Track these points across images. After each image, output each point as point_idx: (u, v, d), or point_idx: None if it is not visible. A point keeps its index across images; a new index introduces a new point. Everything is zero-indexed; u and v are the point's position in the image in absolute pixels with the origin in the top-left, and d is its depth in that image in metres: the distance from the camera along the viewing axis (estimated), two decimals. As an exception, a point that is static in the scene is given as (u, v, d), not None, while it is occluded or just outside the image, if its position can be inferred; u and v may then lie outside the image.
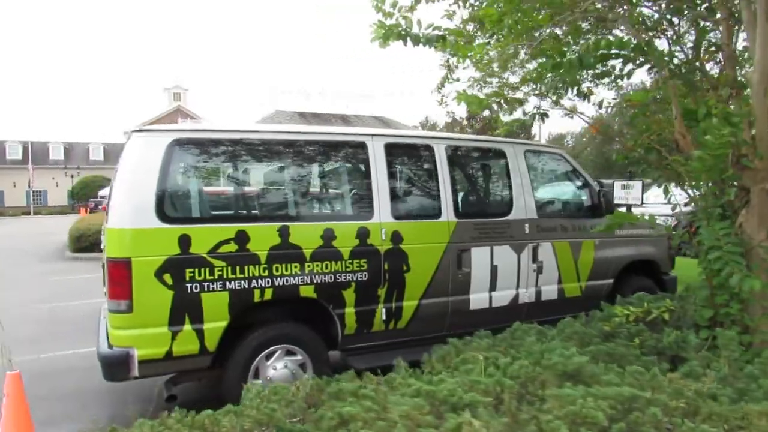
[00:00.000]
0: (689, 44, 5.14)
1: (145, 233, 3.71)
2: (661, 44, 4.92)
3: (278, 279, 4.06)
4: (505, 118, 7.45)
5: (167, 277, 3.74)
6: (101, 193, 42.49)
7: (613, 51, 3.81)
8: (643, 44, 4.02)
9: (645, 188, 9.10)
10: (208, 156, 4.18)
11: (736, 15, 4.35)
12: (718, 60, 5.02)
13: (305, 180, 4.74)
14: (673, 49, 4.84)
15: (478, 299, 4.91)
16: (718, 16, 4.54)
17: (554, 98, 6.26)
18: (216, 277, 3.87)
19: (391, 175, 4.64)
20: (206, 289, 3.84)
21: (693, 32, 5.18)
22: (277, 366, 4.10)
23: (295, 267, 4.12)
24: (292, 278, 4.11)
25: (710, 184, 4.10)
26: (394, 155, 4.71)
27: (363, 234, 4.37)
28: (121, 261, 3.66)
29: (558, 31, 5.20)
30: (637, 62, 4.06)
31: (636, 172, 5.77)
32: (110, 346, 3.79)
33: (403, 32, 4.57)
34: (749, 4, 4.13)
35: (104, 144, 61.49)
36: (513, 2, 4.22)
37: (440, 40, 4.23)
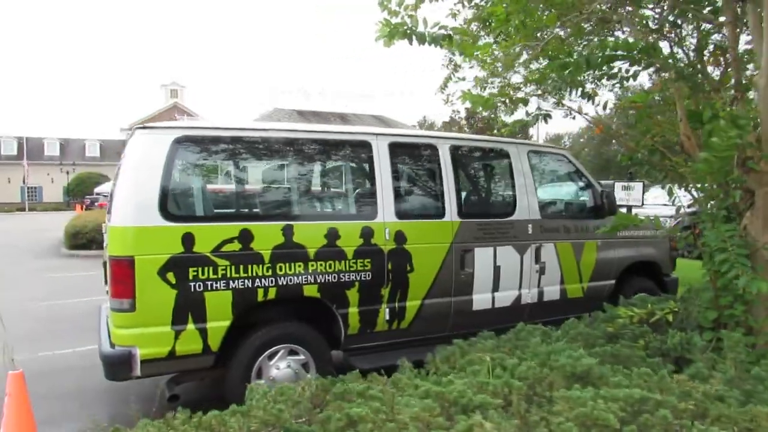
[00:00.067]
0: (692, 47, 5.15)
1: (149, 231, 3.68)
2: (664, 47, 4.93)
3: (282, 278, 4.04)
4: (507, 118, 7.46)
5: (170, 276, 3.71)
6: (97, 190, 42.28)
7: (619, 52, 3.79)
8: (649, 46, 4.02)
9: (645, 189, 9.11)
10: (212, 154, 4.16)
11: (743, 18, 4.35)
12: (721, 63, 5.03)
13: (309, 179, 4.72)
14: (675, 51, 4.86)
15: (481, 300, 4.90)
16: (723, 19, 4.55)
17: (557, 99, 6.27)
18: (219, 276, 3.84)
19: (395, 175, 4.62)
20: (210, 288, 3.82)
21: (695, 35, 5.18)
22: (280, 366, 4.08)
23: (299, 266, 4.10)
24: (295, 278, 4.09)
25: (715, 186, 4.10)
26: (398, 155, 4.69)
27: (367, 233, 4.35)
28: (124, 259, 3.63)
29: (561, 32, 5.20)
30: (644, 64, 4.05)
31: (639, 173, 5.76)
32: (112, 345, 3.76)
33: (408, 31, 4.55)
34: (756, 8, 4.14)
35: (100, 140, 61.29)
36: (520, 2, 4.21)
37: (446, 39, 4.21)
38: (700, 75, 4.68)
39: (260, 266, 3.97)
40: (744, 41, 4.87)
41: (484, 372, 2.99)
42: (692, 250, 11.55)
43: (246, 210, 4.49)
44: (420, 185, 5.12)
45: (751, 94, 4.59)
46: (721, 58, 4.92)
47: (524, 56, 5.93)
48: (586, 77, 5.69)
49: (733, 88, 4.40)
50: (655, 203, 11.79)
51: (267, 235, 4.01)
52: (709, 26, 5.09)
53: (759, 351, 3.63)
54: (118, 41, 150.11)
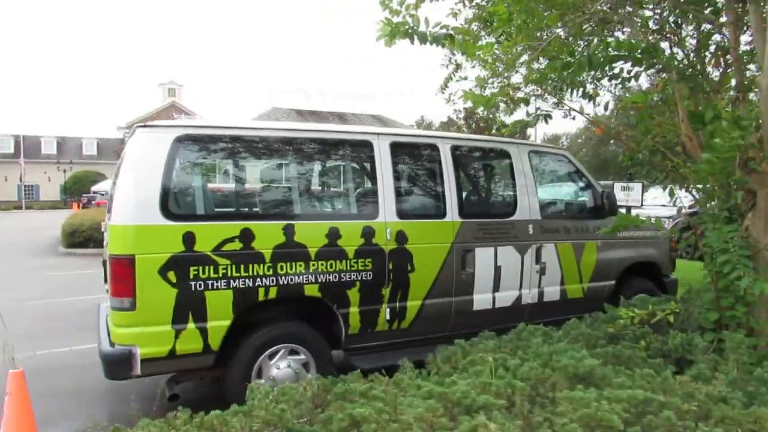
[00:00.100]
0: (692, 47, 5.15)
1: (149, 230, 3.67)
2: (664, 47, 4.93)
3: (283, 278, 4.03)
4: (507, 118, 7.45)
5: (171, 275, 3.69)
6: (94, 188, 42.18)
7: (622, 52, 3.79)
8: (650, 47, 4.01)
9: (644, 190, 9.12)
10: (213, 153, 4.14)
11: (744, 19, 4.36)
12: (722, 63, 5.03)
13: (310, 178, 4.71)
14: (675, 52, 4.85)
15: (481, 300, 4.89)
16: (725, 19, 4.55)
17: (557, 99, 6.27)
18: (220, 275, 3.83)
19: (397, 174, 4.61)
20: (210, 287, 3.80)
21: (695, 35, 5.19)
22: (281, 365, 4.07)
23: (300, 266, 4.08)
24: (296, 277, 4.07)
25: (717, 187, 4.10)
26: (399, 154, 4.68)
27: (368, 233, 4.34)
28: (125, 258, 3.61)
29: (561, 32, 5.20)
30: (646, 64, 4.05)
31: (639, 174, 5.76)
32: (112, 344, 3.74)
33: (410, 30, 4.55)
34: (757, 8, 4.14)
35: (98, 139, 61.13)
36: (521, 2, 4.20)
37: (448, 38, 4.20)
38: (699, 76, 4.68)
39: (261, 265, 3.95)
40: (743, 41, 4.88)
41: (486, 372, 2.98)
42: (690, 251, 11.61)
43: (247, 209, 4.47)
44: (421, 185, 5.11)
45: (752, 95, 4.61)
46: (722, 59, 4.92)
47: (525, 56, 5.93)
48: (587, 78, 5.70)
49: (734, 88, 4.40)
50: (654, 204, 11.82)
51: (268, 235, 4.00)
52: (709, 27, 5.09)
53: (761, 352, 3.63)
54: (116, 39, 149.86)
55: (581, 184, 5.82)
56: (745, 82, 4.30)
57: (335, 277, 4.21)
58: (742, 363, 3.20)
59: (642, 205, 8.91)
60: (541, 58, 5.73)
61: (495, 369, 3.02)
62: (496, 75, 6.51)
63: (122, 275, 3.60)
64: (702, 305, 4.17)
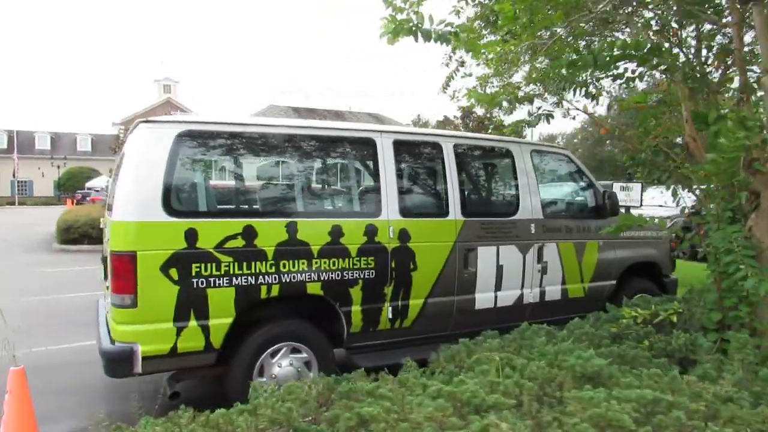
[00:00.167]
0: (692, 48, 5.15)
1: (151, 226, 3.63)
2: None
3: (285, 275, 4.00)
4: (506, 118, 7.44)
5: (173, 272, 3.65)
6: (88, 184, 41.99)
7: (628, 51, 3.78)
8: (656, 46, 4.01)
9: (643, 190, 9.14)
10: (216, 149, 4.10)
11: (749, 20, 4.35)
12: (724, 64, 5.04)
13: (314, 175, 4.68)
14: (676, 53, 4.85)
15: (483, 299, 4.88)
16: (728, 20, 4.55)
17: (558, 99, 6.27)
18: (222, 272, 3.79)
19: (400, 172, 4.59)
20: (212, 284, 3.77)
21: (695, 35, 5.19)
22: (282, 364, 4.04)
23: (303, 263, 4.05)
24: (299, 275, 4.04)
25: (721, 188, 4.10)
26: (402, 152, 4.66)
27: (371, 231, 4.32)
28: (126, 255, 3.57)
29: (561, 32, 5.19)
30: (652, 64, 4.04)
31: (640, 174, 5.77)
32: (112, 342, 3.70)
33: (414, 28, 4.52)
34: (762, 9, 4.14)
35: (92, 135, 60.75)
36: (526, 1, 4.18)
37: (453, 35, 4.18)
38: (701, 76, 4.69)
39: (263, 263, 3.92)
40: (745, 42, 4.88)
41: (493, 372, 2.96)
42: (687, 251, 11.65)
43: (250, 206, 4.43)
44: (424, 183, 5.09)
45: (754, 96, 4.61)
46: (725, 60, 4.92)
47: (526, 55, 5.92)
48: (588, 78, 5.70)
49: (738, 89, 4.40)
50: (651, 204, 11.85)
51: (271, 232, 3.97)
52: (710, 27, 5.10)
53: (764, 352, 3.62)
54: (111, 34, 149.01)
55: (583, 184, 5.82)
56: (753, 83, 4.30)
57: (338, 275, 4.18)
58: (747, 363, 3.20)
59: (641, 205, 8.92)
60: (542, 58, 5.74)
61: (502, 368, 3.01)
62: (498, 74, 6.50)
63: (124, 272, 3.56)
64: (705, 305, 4.17)
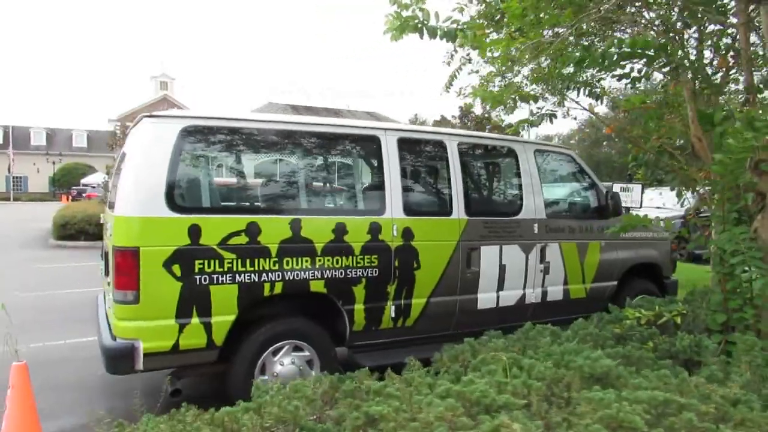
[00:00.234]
0: (694, 48, 5.15)
1: (154, 222, 3.59)
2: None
3: (288, 273, 3.96)
4: (507, 117, 7.41)
5: (176, 268, 3.61)
6: (84, 180, 41.78)
7: (637, 50, 3.76)
8: (664, 45, 3.99)
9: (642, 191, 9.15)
10: (220, 144, 4.06)
11: (756, 21, 4.35)
12: (729, 64, 5.03)
13: (318, 173, 4.65)
14: (684, 52, 4.84)
15: (485, 298, 4.86)
16: (735, 20, 4.54)
17: (559, 98, 6.25)
18: (225, 269, 3.75)
19: (404, 171, 4.55)
20: (215, 281, 3.73)
21: (697, 36, 5.18)
22: (284, 362, 4.00)
23: (306, 261, 4.02)
24: (302, 272, 4.01)
25: (727, 189, 4.09)
26: (406, 150, 4.63)
27: (375, 229, 4.29)
28: (129, 250, 3.53)
29: (562, 31, 5.16)
30: (660, 63, 4.02)
31: (642, 174, 5.77)
32: (114, 338, 3.66)
33: (419, 24, 4.50)
34: (769, 10, 4.13)
35: (88, 131, 60.39)
36: (532, -1, 4.16)
37: (460, 32, 4.15)
38: (707, 76, 4.68)
39: (267, 260, 3.88)
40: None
41: (500, 372, 2.94)
42: (685, 253, 11.66)
43: (254, 203, 4.39)
44: (428, 182, 5.06)
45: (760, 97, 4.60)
46: (729, 61, 4.91)
47: (528, 54, 5.90)
48: (589, 78, 5.68)
49: (744, 90, 4.39)
50: (650, 206, 11.86)
51: (274, 229, 3.93)
52: (712, 28, 5.09)
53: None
54: (108, 30, 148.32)
55: (586, 184, 5.81)
56: (757, 83, 4.29)
57: (341, 273, 4.15)
58: (755, 365, 3.18)
59: (641, 206, 8.93)
60: (544, 57, 5.70)
61: (509, 368, 2.98)
62: (500, 73, 6.47)
63: (126, 268, 3.52)
64: (709, 307, 4.16)
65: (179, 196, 3.71)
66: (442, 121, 34.63)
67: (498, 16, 5.41)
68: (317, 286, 4.07)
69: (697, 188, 4.48)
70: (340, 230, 4.16)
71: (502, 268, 4.93)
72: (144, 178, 3.62)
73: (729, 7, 4.67)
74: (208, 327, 3.72)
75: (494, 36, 5.21)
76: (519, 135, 6.81)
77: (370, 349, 4.44)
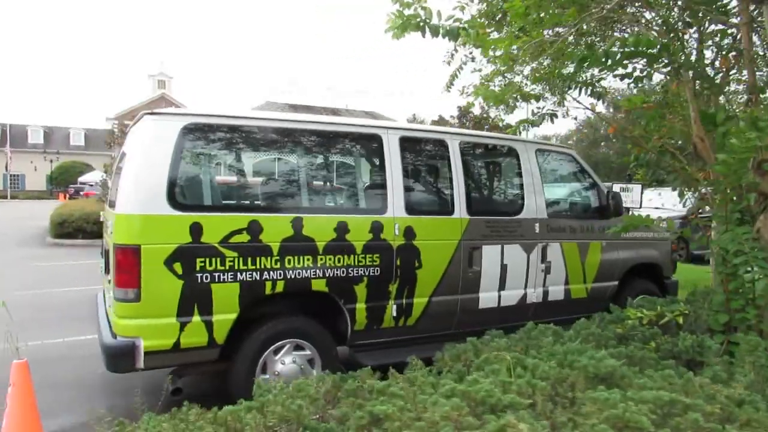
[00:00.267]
0: (694, 48, 5.14)
1: (156, 220, 3.57)
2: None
3: (290, 271, 3.94)
4: (507, 117, 7.40)
5: (177, 266, 3.59)
6: (82, 179, 41.68)
7: (641, 49, 3.75)
8: (668, 44, 3.98)
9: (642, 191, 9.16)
10: (222, 142, 4.04)
11: (761, 21, 4.34)
12: (730, 64, 5.03)
13: (320, 171, 4.63)
14: (687, 51, 4.83)
15: (487, 298, 4.85)
16: (737, 20, 4.53)
17: (559, 98, 6.24)
18: (227, 267, 3.74)
19: (405, 170, 4.54)
20: (217, 279, 3.71)
21: (697, 36, 5.17)
22: (286, 360, 3.99)
23: (308, 260, 4.01)
24: (304, 271, 3.99)
25: (729, 189, 4.08)
26: (408, 149, 4.62)
27: (376, 228, 4.27)
28: (130, 248, 3.51)
29: (562, 31, 5.16)
30: (663, 62, 4.02)
31: (642, 175, 5.77)
32: (114, 336, 3.64)
33: (422, 23, 4.48)
34: (772, 10, 4.12)
35: (85, 129, 60.22)
36: (534, -2, 4.15)
37: (462, 31, 4.14)
38: (707, 76, 4.67)
39: (268, 259, 3.87)
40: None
41: (503, 371, 2.92)
42: (683, 254, 11.69)
43: (255, 201, 4.37)
44: (430, 181, 5.05)
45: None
46: (734, 61, 4.91)
47: (537, 52, 5.89)
48: (589, 77, 5.67)
49: (747, 90, 4.39)
50: (649, 207, 11.88)
51: (276, 227, 3.91)
52: (712, 28, 5.08)
53: (771, 355, 3.60)
54: (106, 28, 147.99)
55: (587, 184, 5.80)
56: (760, 84, 4.28)
57: (343, 271, 4.14)
58: (759, 366, 3.17)
59: (641, 206, 8.94)
60: (544, 57, 5.70)
61: (513, 368, 2.97)
62: (499, 73, 6.47)
63: (127, 265, 3.50)
64: (711, 307, 4.15)
65: (180, 194, 3.69)
66: (441, 121, 34.64)
67: (499, 15, 5.41)
68: (319, 285, 4.06)
69: (699, 188, 4.47)
70: (342, 229, 4.14)
71: (504, 268, 4.92)
72: (145, 176, 3.60)
73: (730, 7, 4.67)
74: (209, 325, 3.70)
75: (495, 35, 5.21)
76: (518, 135, 6.80)
77: (372, 349, 4.43)
